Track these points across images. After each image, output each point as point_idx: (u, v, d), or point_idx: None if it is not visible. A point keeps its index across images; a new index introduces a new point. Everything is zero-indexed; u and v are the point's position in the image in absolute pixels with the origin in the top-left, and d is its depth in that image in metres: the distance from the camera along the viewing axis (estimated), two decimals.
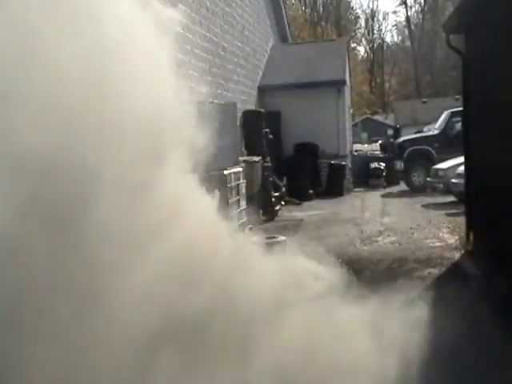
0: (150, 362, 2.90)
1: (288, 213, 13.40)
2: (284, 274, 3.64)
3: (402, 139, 19.59)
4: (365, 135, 34.22)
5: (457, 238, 9.05)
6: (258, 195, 11.86)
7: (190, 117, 3.45)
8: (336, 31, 47.69)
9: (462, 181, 10.25)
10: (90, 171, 2.84)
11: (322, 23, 49.74)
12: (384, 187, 19.15)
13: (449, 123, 17.32)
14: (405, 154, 17.65)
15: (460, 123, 14.46)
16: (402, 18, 56.82)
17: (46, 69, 2.84)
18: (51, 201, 2.77)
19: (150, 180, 3.15)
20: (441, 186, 14.39)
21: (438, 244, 8.85)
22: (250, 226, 10.43)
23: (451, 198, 13.13)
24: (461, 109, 10.06)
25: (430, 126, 21.63)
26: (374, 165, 20.24)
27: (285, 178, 14.87)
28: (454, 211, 11.27)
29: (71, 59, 2.90)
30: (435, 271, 7.11)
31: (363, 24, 55.24)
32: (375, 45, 56.02)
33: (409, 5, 53.63)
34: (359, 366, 3.21)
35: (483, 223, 7.76)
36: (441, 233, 9.78)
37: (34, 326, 2.71)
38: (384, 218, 11.81)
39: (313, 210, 13.71)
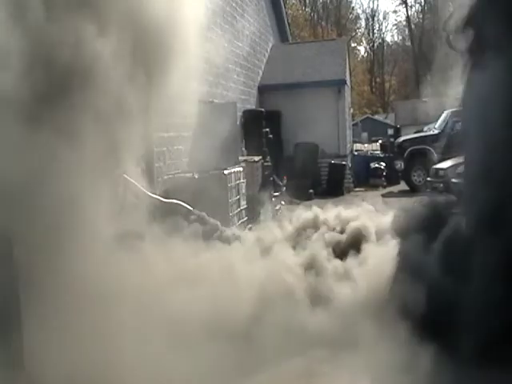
0: None
1: (288, 212, 13.37)
2: None
3: (402, 139, 19.57)
4: (365, 135, 34.15)
5: None
6: (258, 195, 11.85)
7: None
8: (336, 31, 47.64)
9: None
10: None
11: (322, 23, 49.72)
12: (384, 187, 19.13)
13: (449, 123, 17.33)
14: (405, 154, 17.65)
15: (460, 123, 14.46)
16: (403, 18, 56.67)
17: None
18: None
19: None
20: (441, 185, 14.37)
21: None
22: (250, 225, 10.43)
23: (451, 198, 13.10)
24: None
25: (430, 126, 21.62)
26: (374, 164, 20.23)
27: (285, 178, 14.87)
28: None
29: None
30: None
31: (363, 24, 55.27)
32: (375, 44, 56.02)
33: (409, 4, 53.66)
34: None
35: None
36: None
37: None
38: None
39: None
